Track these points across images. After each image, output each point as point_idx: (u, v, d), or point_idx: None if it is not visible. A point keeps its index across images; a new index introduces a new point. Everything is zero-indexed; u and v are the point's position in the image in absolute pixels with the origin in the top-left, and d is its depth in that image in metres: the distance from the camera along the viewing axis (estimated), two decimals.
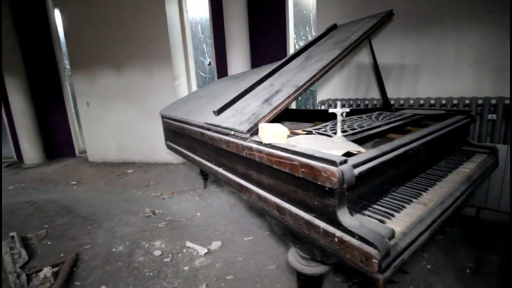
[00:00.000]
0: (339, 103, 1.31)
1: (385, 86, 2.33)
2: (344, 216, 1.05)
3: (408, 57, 2.80)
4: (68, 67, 5.40)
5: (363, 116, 1.95)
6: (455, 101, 2.48)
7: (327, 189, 1.04)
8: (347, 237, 1.01)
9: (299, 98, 4.46)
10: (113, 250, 2.36)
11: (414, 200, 1.30)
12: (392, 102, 2.84)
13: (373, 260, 0.92)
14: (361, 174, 1.07)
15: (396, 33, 2.83)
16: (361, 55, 3.13)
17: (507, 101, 2.28)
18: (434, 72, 2.68)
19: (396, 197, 1.33)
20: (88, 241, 2.52)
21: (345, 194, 1.06)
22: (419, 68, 2.76)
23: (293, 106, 4.40)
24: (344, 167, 1.01)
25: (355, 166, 1.07)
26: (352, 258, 1.00)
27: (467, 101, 2.45)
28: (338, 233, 1.04)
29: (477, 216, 2.45)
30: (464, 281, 1.79)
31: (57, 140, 5.86)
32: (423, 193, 1.37)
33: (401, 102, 2.79)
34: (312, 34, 4.08)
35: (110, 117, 5.05)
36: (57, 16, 5.29)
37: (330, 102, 3.31)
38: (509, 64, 2.30)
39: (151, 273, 2.04)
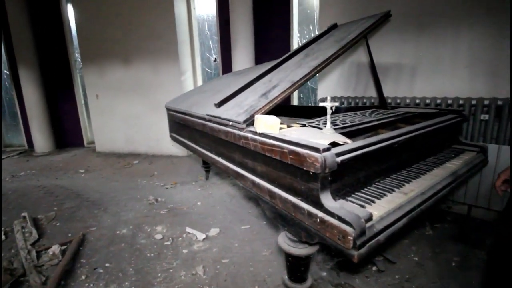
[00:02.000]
0: (329, 97, 1.41)
1: (384, 85, 2.40)
2: (326, 199, 1.15)
3: (406, 57, 2.86)
4: (79, 60, 5.59)
5: (358, 112, 2.03)
6: (449, 101, 2.55)
7: (311, 173, 1.15)
8: (327, 218, 1.11)
9: (301, 96, 4.54)
10: (118, 232, 2.50)
11: (396, 189, 1.39)
12: (389, 101, 2.92)
13: (349, 237, 1.02)
14: (343, 162, 1.17)
15: (395, 34, 2.90)
16: (361, 54, 3.20)
17: (500, 102, 2.33)
18: (431, 72, 2.75)
19: (379, 186, 1.42)
20: (95, 223, 2.68)
21: (327, 179, 1.16)
22: (416, 68, 2.82)
23: (296, 103, 4.49)
24: (326, 154, 1.11)
25: (339, 154, 1.17)
26: (331, 236, 1.10)
27: (461, 101, 2.51)
28: (320, 214, 1.14)
29: (469, 214, 2.51)
30: (448, 274, 1.87)
31: (66, 131, 6.08)
32: (406, 184, 1.45)
33: (398, 101, 2.86)
34: (315, 33, 4.16)
35: (118, 110, 5.22)
36: (70, 11, 5.47)
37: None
38: (509, 65, 2.34)
39: (152, 255, 2.17)
